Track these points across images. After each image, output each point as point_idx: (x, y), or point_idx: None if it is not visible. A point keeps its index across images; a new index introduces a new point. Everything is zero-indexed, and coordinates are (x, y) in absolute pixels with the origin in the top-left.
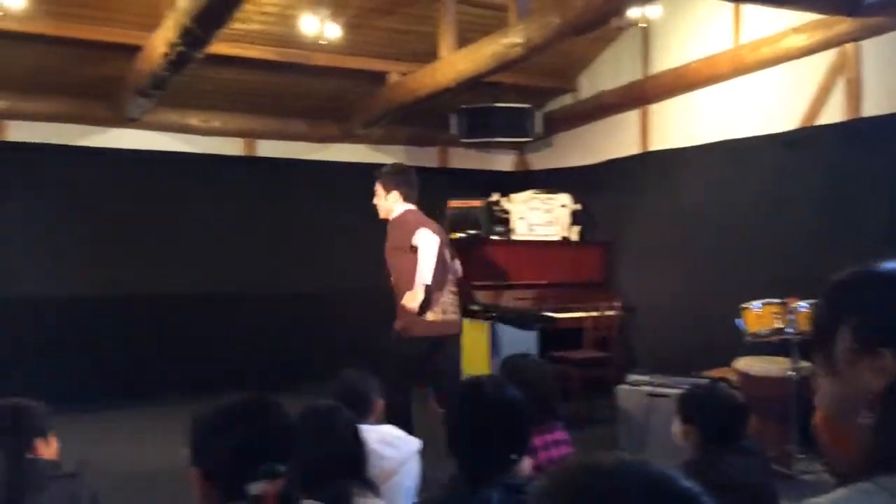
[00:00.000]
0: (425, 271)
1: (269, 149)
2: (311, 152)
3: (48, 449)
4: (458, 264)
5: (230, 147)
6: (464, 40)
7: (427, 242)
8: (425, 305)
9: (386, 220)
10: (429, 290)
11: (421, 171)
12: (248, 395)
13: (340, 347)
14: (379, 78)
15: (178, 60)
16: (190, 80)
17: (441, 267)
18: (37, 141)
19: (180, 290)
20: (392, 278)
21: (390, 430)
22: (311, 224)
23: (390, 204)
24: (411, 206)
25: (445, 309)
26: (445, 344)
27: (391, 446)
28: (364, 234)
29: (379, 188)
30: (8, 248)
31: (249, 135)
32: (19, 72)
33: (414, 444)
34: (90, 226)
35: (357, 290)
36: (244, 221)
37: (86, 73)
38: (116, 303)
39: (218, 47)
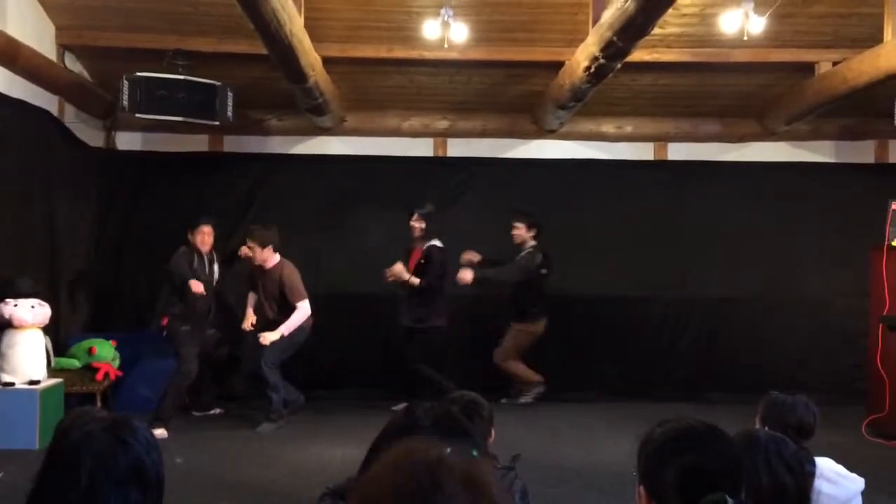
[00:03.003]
0: None
1: (679, 151)
2: (724, 153)
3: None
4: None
5: (641, 152)
6: None
7: None
8: None
9: None
10: None
11: (854, 168)
12: (695, 421)
13: (762, 359)
14: (806, 69)
15: (599, 73)
16: (605, 88)
17: None
18: (471, 155)
19: (586, 291)
20: None
21: (830, 465)
22: (723, 226)
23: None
24: None
25: None
26: None
27: (830, 482)
28: (787, 237)
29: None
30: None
31: (661, 138)
32: (457, 95)
33: (857, 482)
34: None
35: (777, 297)
36: (653, 225)
37: (513, 90)
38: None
39: (635, 55)
